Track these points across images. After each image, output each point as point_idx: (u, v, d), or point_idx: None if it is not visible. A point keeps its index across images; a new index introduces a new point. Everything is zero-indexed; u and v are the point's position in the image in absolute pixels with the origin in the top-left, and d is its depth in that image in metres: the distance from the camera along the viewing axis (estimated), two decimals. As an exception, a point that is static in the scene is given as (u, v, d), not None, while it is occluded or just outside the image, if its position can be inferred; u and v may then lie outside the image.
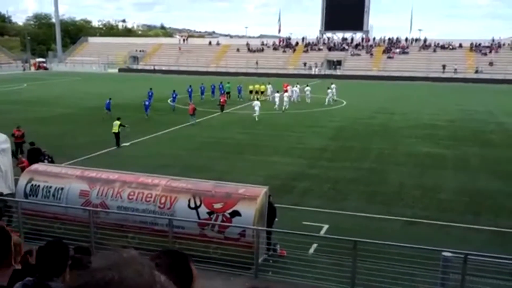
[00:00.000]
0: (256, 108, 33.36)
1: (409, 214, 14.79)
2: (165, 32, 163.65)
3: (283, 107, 37.83)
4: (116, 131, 23.70)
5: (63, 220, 11.92)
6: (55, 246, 3.68)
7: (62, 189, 12.19)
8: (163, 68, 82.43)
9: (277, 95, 39.81)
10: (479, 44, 78.16)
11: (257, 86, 46.69)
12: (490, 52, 76.00)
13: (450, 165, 21.14)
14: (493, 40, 79.02)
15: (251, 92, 46.11)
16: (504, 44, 78.10)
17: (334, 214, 14.72)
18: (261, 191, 11.42)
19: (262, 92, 45.94)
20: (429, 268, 9.30)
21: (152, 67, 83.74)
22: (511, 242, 12.80)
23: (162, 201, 11.41)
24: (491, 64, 72.16)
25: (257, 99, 37.79)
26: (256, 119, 32.72)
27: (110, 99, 33.51)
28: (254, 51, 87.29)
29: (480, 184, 18.15)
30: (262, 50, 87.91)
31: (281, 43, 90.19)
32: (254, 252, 10.52)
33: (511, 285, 8.95)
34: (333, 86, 44.68)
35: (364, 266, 9.63)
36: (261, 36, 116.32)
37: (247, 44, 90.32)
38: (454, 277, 9.47)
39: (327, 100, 42.00)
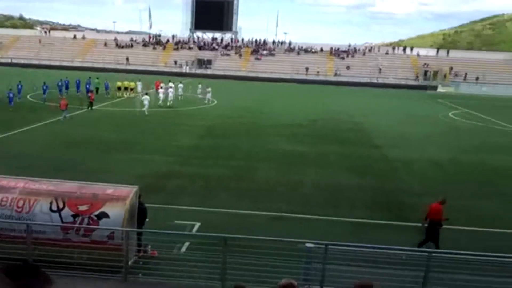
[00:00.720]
0: (146, 102, 33.83)
1: (276, 209, 15.49)
2: (25, 23, 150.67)
3: (159, 103, 37.99)
4: None
5: None
6: None
7: None
8: (22, 61, 75.97)
9: (161, 91, 40.04)
10: (338, 49, 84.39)
11: (126, 82, 45.40)
12: (347, 56, 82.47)
13: (312, 162, 22.53)
14: (349, 46, 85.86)
15: (119, 88, 44.82)
16: (359, 50, 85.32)
17: (206, 212, 14.87)
18: (131, 191, 11.10)
19: (131, 89, 44.87)
20: (294, 259, 9.80)
21: (9, 60, 76.81)
22: (366, 231, 14.04)
23: (20, 204, 10.52)
24: (348, 67, 78.34)
25: (144, 95, 37.20)
26: (146, 113, 33.22)
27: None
28: (123, 47, 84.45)
29: (338, 179, 19.61)
30: (131, 46, 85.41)
31: (151, 40, 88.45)
32: (124, 255, 10.21)
33: (367, 271, 9.78)
34: (199, 86, 45.83)
35: (234, 261, 9.86)
36: (129, 32, 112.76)
37: (115, 40, 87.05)
38: (316, 266, 10.12)
39: (206, 98, 42.75)
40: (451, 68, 77.08)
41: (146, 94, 36.23)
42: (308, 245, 10.10)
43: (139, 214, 11.30)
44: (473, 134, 33.02)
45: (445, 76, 76.07)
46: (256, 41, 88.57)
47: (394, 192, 18.18)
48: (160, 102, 38.38)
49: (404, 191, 18.34)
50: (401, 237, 13.53)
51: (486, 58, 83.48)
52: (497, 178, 21.03)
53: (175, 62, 79.00)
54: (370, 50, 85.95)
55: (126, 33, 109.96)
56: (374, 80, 74.12)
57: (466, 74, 75.68)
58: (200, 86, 46.80)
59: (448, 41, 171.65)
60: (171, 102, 39.57)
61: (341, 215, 15.27)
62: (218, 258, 10.08)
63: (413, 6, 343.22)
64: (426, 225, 12.60)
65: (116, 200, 10.69)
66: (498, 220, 15.42)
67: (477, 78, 74.29)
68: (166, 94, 40.08)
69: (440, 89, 71.47)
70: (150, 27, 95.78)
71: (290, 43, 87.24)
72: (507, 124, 37.45)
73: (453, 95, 64.93)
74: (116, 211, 10.51)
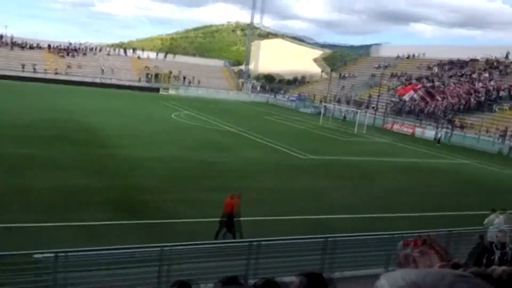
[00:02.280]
0: None
1: (3, 220, 13.75)
2: None
3: None
4: None
5: None
6: None
7: None
8: None
9: None
10: (58, 47, 79.74)
11: None
12: (69, 55, 78.72)
13: (40, 165, 20.86)
14: (70, 44, 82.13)
15: None
16: (80, 48, 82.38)
17: None
18: None
19: None
20: (23, 273, 9.01)
21: None
22: (102, 233, 13.73)
23: None
24: (70, 66, 74.82)
25: None
26: None
27: None
28: None
29: (70, 182, 18.57)
30: None
31: None
32: None
33: (105, 274, 9.61)
34: None
35: None
36: None
37: None
38: (48, 278, 9.50)
39: None
40: (170, 72, 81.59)
41: None
42: (36, 255, 9.41)
43: None
44: (194, 132, 35.75)
45: (165, 79, 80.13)
46: (-45, 31, 76.31)
47: (127, 191, 18.31)
48: None
49: (136, 189, 18.66)
50: (137, 235, 13.77)
51: (200, 64, 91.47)
52: (218, 172, 23.28)
53: None
54: (92, 50, 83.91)
55: None
56: (98, 80, 72.80)
57: (184, 78, 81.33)
58: None
59: (166, 46, 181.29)
60: None
61: (75, 219, 14.54)
62: None
63: (131, 10, 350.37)
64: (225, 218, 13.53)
65: None
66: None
67: (189, 82, 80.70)
68: None
69: (163, 92, 74.89)
70: None
71: (1, 37, 78.12)
72: (221, 123, 41.83)
73: (174, 97, 68.91)
74: None
